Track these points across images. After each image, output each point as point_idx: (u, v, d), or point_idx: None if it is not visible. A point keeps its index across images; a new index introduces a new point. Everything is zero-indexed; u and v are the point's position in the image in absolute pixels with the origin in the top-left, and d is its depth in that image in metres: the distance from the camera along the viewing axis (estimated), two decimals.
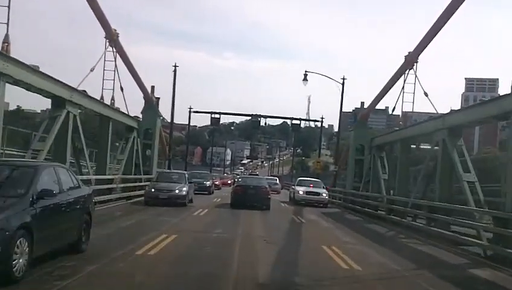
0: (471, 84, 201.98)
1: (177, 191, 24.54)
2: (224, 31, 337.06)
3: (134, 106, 36.28)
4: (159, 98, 34.68)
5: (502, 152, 32.24)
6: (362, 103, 34.12)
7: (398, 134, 26.10)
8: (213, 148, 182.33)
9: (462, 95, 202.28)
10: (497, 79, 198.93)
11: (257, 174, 71.45)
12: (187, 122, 52.38)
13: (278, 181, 59.89)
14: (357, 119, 33.91)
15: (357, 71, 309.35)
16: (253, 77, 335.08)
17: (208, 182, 40.05)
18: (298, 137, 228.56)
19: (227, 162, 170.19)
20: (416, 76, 25.11)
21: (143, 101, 33.01)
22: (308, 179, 36.56)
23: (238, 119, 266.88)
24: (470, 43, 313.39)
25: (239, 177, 37.08)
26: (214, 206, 26.14)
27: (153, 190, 24.83)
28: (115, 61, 26.07)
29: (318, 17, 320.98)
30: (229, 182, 58.02)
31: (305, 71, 39.64)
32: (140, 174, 30.97)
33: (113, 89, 26.01)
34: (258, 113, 49.12)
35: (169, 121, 41.25)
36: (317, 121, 49.48)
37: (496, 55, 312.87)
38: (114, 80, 25.85)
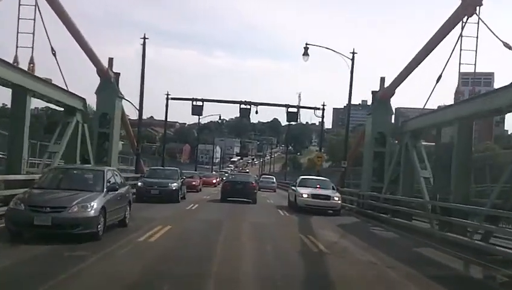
0: (466, 79, 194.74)
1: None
2: (217, 30, 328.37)
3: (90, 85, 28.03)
4: (118, 73, 26.38)
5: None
6: (382, 79, 25.79)
7: (455, 111, 17.81)
8: (202, 146, 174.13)
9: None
10: (493, 73, 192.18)
11: (247, 172, 64.91)
12: (175, 119, 44.19)
13: (274, 179, 55.41)
14: (377, 100, 25.81)
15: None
16: (247, 76, 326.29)
17: (174, 184, 25.52)
18: (289, 134, 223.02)
19: (217, 160, 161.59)
20: (479, 23, 17.02)
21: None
22: (314, 177, 28.26)
23: (227, 116, 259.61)
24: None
25: (228, 175, 37.23)
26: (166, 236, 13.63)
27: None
28: (36, 6, 17.61)
29: (316, 17, 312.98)
30: (214, 181, 49.56)
31: (306, 44, 31.42)
32: None
33: (32, 47, 17.61)
34: (248, 100, 40.80)
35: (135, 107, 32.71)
36: (318, 108, 41.14)
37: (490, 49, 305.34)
38: (34, 32, 17.39)
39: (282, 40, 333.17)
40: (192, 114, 40.78)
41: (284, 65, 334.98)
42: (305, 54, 31.53)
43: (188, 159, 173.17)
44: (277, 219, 20.25)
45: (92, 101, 26.91)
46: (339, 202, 23.71)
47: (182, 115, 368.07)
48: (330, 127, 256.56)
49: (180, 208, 22.50)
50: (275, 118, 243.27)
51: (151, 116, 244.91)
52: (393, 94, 25.27)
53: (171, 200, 24.29)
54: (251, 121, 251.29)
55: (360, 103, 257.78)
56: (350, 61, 31.07)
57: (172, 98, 41.30)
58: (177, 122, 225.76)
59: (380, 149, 25.26)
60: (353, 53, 30.94)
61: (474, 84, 25.45)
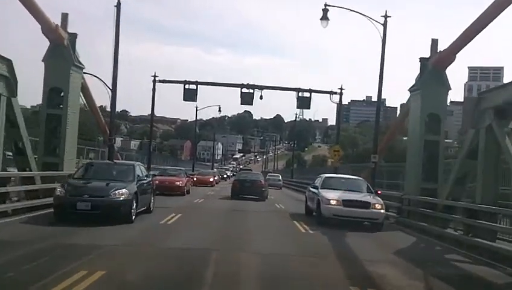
0: (475, 73, 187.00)
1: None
2: (219, 29, 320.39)
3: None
4: (75, 34, 19.18)
5: None
6: (434, 41, 18.51)
7: None
8: (203, 142, 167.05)
9: (465, 84, 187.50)
10: (502, 68, 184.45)
11: (250, 169, 58.78)
12: (176, 116, 36.84)
13: (280, 177, 54.06)
14: (427, 70, 18.58)
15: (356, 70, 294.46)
16: (247, 74, 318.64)
17: (122, 192, 13.83)
18: (291, 131, 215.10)
19: (219, 157, 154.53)
20: None
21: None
22: (342, 176, 20.54)
23: (230, 112, 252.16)
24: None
25: (238, 173, 36.75)
26: None
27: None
28: None
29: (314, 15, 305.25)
30: (211, 180, 41.96)
31: (325, 5, 24.03)
32: (27, 166, 15.79)
33: None
34: (250, 83, 33.61)
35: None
36: (334, 93, 33.68)
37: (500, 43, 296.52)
38: None
39: (283, 37, 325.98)
40: (184, 99, 33.52)
41: (284, 61, 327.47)
42: (324, 17, 24.21)
43: (189, 156, 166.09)
44: (297, 243, 12.87)
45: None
46: (382, 211, 16.29)
47: (184, 111, 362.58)
48: (334, 123, 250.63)
49: (128, 232, 12.58)
50: (277, 115, 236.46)
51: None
52: (452, 61, 18.01)
53: (117, 219, 13.46)
54: (253, 118, 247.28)
55: (365, 98, 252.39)
56: (381, 27, 23.67)
57: (161, 81, 34.01)
58: (178, 118, 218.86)
59: (431, 137, 18.13)
60: (385, 16, 23.53)
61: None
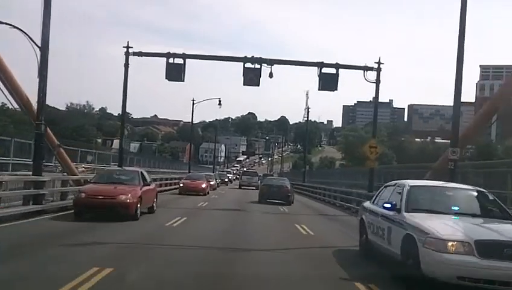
0: (487, 72, 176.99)
1: None
2: (219, 29, 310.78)
3: None
4: None
5: None
6: None
7: None
8: (205, 145, 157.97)
9: (477, 84, 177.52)
10: None
11: (255, 172, 50.20)
12: (180, 118, 27.68)
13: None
14: None
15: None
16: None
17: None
18: (296, 132, 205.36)
19: (221, 159, 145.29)
20: None
21: None
22: (445, 185, 9.92)
23: (234, 114, 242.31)
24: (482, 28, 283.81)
25: (263, 179, 36.01)
26: None
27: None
28: None
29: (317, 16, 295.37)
30: (204, 186, 31.73)
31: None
32: None
33: None
34: (257, 56, 24.31)
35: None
36: (370, 68, 24.42)
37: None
38: None
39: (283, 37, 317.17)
40: (168, 78, 24.19)
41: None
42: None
43: (190, 159, 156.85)
44: None
45: None
46: None
47: (187, 113, 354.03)
48: (340, 125, 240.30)
49: None
50: (282, 116, 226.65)
51: (155, 115, 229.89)
52: None
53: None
54: (258, 119, 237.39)
55: (371, 100, 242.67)
56: None
57: (136, 53, 24.64)
58: (181, 121, 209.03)
59: None
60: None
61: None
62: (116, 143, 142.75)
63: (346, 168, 67.53)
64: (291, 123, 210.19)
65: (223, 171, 65.40)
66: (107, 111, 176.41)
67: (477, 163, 18.19)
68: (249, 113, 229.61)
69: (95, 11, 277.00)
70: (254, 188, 45.10)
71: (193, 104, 48.03)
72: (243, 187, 48.83)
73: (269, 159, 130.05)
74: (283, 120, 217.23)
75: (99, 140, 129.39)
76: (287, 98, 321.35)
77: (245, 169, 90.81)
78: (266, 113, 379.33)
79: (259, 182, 42.30)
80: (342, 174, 42.99)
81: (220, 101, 46.16)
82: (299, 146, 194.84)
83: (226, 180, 58.56)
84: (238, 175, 68.54)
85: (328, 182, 38.81)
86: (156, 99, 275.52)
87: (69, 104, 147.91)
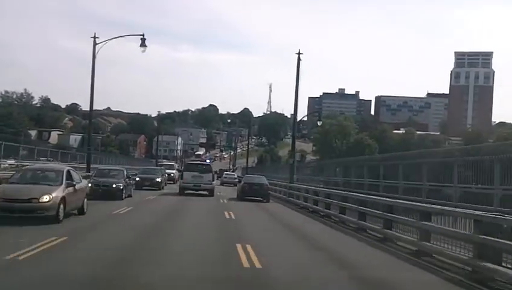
0: (462, 59, 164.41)
1: None
2: (183, 24, 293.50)
3: None
4: None
5: None
6: None
7: None
8: (162, 137, 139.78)
9: (451, 72, 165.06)
10: (492, 53, 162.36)
11: (207, 165, 32.23)
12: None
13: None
14: None
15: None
16: (212, 69, 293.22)
17: None
18: (261, 125, 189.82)
19: (178, 152, 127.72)
20: None
21: None
22: None
23: (193, 106, 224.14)
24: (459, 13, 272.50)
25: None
26: None
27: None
28: None
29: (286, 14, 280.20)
30: None
31: None
32: None
33: None
34: None
35: None
36: None
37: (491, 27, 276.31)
38: None
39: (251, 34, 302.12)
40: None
41: (254, 58, 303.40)
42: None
43: (144, 154, 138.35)
44: None
45: None
46: None
47: (145, 106, 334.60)
48: (305, 119, 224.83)
49: None
50: (245, 108, 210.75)
51: (108, 107, 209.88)
52: None
53: None
54: (219, 112, 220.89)
55: (337, 91, 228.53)
56: None
57: None
58: (138, 113, 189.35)
59: None
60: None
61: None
62: (53, 136, 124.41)
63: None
64: (255, 116, 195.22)
65: (165, 165, 45.66)
66: (53, 102, 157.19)
67: None
68: (210, 105, 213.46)
69: None
70: (207, 192, 28.81)
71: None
72: (188, 192, 28.86)
73: (231, 153, 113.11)
74: (246, 112, 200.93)
75: (33, 132, 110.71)
76: (250, 90, 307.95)
77: (190, 161, 59.45)
78: (229, 105, 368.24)
79: (214, 183, 30.81)
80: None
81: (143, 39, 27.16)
82: (263, 139, 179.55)
83: (172, 174, 40.91)
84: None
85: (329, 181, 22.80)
86: (110, 91, 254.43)
87: (3, 92, 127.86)
